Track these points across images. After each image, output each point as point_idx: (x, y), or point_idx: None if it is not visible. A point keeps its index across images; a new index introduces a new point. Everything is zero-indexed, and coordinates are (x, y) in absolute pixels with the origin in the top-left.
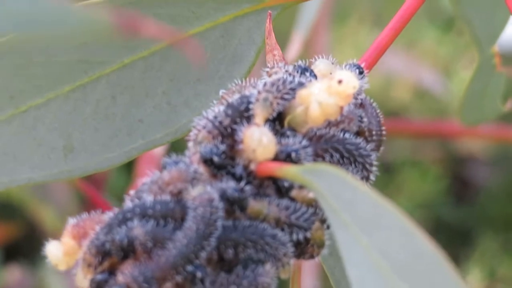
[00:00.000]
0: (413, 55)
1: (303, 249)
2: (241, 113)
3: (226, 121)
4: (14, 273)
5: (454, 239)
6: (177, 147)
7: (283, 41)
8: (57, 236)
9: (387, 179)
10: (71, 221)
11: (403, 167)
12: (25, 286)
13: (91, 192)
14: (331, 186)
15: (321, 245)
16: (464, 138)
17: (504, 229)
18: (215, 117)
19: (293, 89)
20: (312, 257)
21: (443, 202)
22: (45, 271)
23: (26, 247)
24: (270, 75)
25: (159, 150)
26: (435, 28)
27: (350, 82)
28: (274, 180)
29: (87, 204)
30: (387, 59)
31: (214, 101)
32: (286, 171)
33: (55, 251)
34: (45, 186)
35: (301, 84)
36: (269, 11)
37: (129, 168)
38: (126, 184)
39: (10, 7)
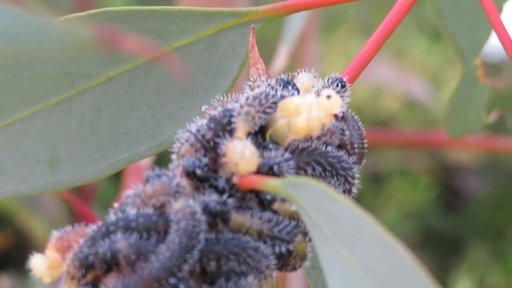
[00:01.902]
0: (402, 65)
1: (285, 261)
2: (224, 127)
3: (209, 135)
4: (3, 283)
5: (444, 249)
6: (164, 158)
7: (270, 53)
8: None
9: (376, 189)
10: (55, 234)
11: (392, 177)
12: None
13: (78, 204)
14: (312, 199)
15: (303, 258)
16: (453, 148)
17: (494, 238)
18: (198, 131)
19: (275, 103)
20: (294, 269)
21: (432, 211)
22: (35, 281)
23: (16, 257)
24: (252, 89)
25: (146, 162)
26: (424, 37)
27: (337, 101)
28: (257, 193)
29: (76, 215)
30: (376, 69)
31: (198, 116)
32: (268, 184)
33: (39, 264)
34: (34, 197)
35: (283, 98)
36: (252, 25)
37: (118, 179)
38: (115, 195)
39: None
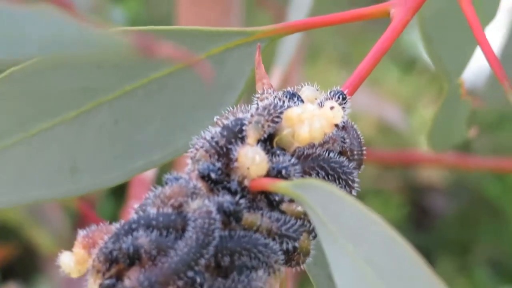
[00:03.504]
0: (377, 93)
1: (291, 257)
2: (236, 134)
3: (222, 141)
4: None
5: None
6: (166, 170)
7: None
8: (51, 257)
9: None
10: (81, 232)
11: (367, 195)
12: None
13: (87, 211)
14: (319, 199)
15: (306, 254)
16: (423, 167)
17: (460, 253)
18: (212, 138)
19: (283, 113)
20: (298, 264)
21: (403, 228)
22: None
23: (21, 267)
24: (261, 100)
25: (150, 174)
26: (396, 69)
27: (339, 111)
28: (266, 195)
29: (79, 226)
30: (353, 96)
31: (209, 126)
32: (278, 186)
33: (67, 261)
34: (40, 209)
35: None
36: (258, 43)
37: (117, 193)
38: (114, 208)
39: (33, 31)
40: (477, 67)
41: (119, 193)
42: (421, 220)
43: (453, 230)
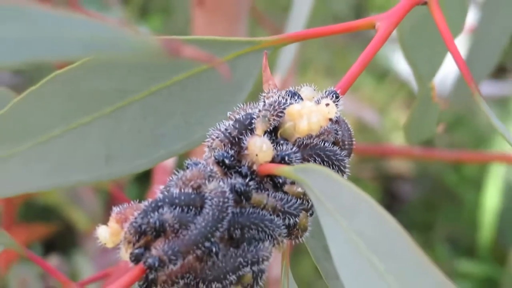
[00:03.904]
0: (356, 98)
1: (291, 231)
2: (246, 127)
3: (234, 132)
4: (52, 262)
5: None
6: (184, 158)
7: (260, 85)
8: (86, 233)
9: None
10: (115, 209)
11: None
12: (62, 270)
13: (118, 193)
14: (317, 181)
15: (304, 229)
16: (394, 159)
17: (424, 232)
18: (226, 129)
19: (285, 109)
20: (297, 238)
21: None
22: (76, 261)
23: (61, 242)
24: (267, 98)
25: (171, 162)
26: (372, 78)
27: (333, 108)
28: (272, 178)
29: (110, 207)
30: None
31: (221, 121)
32: (282, 170)
33: (103, 233)
34: (76, 193)
35: (291, 105)
36: (265, 51)
37: (141, 180)
38: (139, 192)
39: (79, 34)
40: (443, 75)
41: (144, 179)
42: (392, 204)
43: (418, 213)
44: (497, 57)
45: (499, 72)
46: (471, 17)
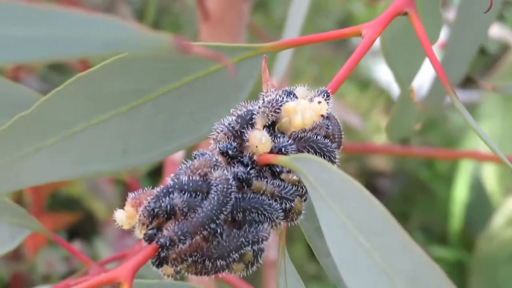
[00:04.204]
0: (341, 104)
1: (287, 215)
2: (247, 121)
3: (237, 127)
4: (75, 247)
5: None
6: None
7: (259, 85)
8: (106, 221)
9: None
10: (131, 195)
11: None
12: (84, 254)
13: (134, 184)
14: (311, 169)
15: (299, 213)
16: (375, 156)
17: (401, 222)
18: (229, 124)
19: (282, 106)
20: (292, 220)
21: None
22: (97, 246)
23: (83, 230)
24: (266, 97)
25: (180, 156)
26: (355, 87)
27: (324, 105)
28: (270, 167)
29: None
30: None
31: (227, 116)
32: (279, 159)
33: (120, 216)
34: (97, 185)
35: (287, 103)
36: (264, 55)
37: (153, 174)
38: (152, 185)
39: (98, 33)
40: (419, 82)
41: (156, 174)
42: None
43: (396, 205)
44: (465, 68)
45: (467, 82)
46: (443, 34)
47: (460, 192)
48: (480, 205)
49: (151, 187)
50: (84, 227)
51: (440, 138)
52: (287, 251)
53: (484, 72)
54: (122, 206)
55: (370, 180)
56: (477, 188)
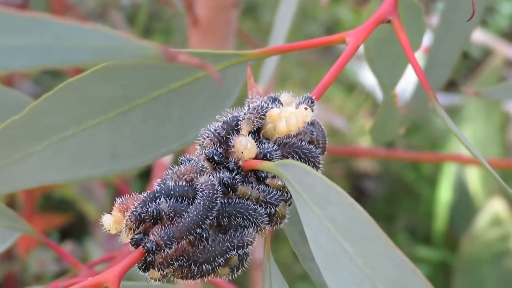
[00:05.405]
0: (328, 107)
1: (272, 219)
2: (233, 127)
3: (223, 133)
4: (67, 247)
5: None
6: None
7: (246, 91)
8: (97, 223)
9: None
10: (118, 200)
11: None
12: (76, 255)
13: (123, 187)
14: (295, 174)
15: (283, 217)
16: (361, 159)
17: (386, 223)
18: (215, 130)
19: (267, 112)
20: (277, 224)
21: None
22: (87, 246)
23: (75, 231)
24: (251, 103)
25: (168, 159)
26: (341, 90)
27: (309, 112)
28: (255, 172)
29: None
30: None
31: (213, 122)
32: (264, 165)
33: (108, 220)
34: (88, 188)
35: (272, 109)
36: (249, 62)
37: (143, 177)
38: (142, 187)
39: (89, 41)
40: (403, 86)
41: (146, 176)
42: (359, 199)
43: (381, 206)
44: (448, 73)
45: (450, 86)
46: (426, 39)
47: (444, 194)
48: (464, 206)
49: (139, 191)
50: (76, 228)
51: (425, 141)
52: (274, 251)
53: (468, 76)
54: (112, 207)
55: (356, 182)
56: (461, 189)
